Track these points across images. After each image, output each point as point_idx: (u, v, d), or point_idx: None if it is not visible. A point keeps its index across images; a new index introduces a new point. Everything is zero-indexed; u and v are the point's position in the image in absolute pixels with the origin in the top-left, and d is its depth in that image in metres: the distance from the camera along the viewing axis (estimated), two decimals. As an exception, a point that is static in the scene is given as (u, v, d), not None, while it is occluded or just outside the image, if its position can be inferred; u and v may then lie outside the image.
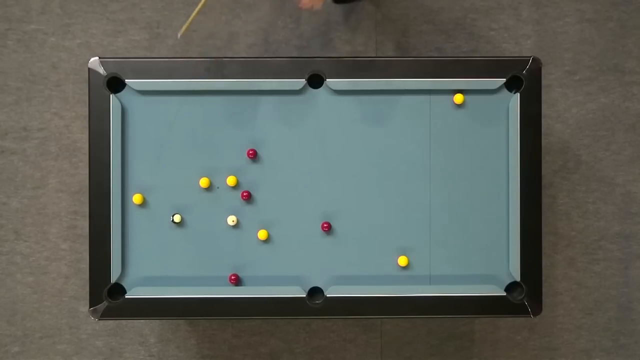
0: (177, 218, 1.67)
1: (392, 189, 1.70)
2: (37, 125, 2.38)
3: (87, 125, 1.72)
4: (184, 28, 1.73)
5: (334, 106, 1.69)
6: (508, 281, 1.69)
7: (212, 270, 1.69)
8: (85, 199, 2.33)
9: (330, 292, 1.67)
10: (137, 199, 1.66)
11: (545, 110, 2.32)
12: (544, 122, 2.31)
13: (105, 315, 1.66)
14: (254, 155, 1.68)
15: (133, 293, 1.66)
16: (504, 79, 1.68)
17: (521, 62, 1.68)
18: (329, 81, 1.67)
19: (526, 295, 1.67)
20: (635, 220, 2.39)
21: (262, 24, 2.41)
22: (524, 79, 1.66)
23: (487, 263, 1.70)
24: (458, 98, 1.68)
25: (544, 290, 1.78)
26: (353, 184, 1.70)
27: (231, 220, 1.66)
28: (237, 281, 1.68)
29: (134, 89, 1.67)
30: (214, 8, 2.41)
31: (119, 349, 2.37)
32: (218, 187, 1.69)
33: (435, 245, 1.70)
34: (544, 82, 1.77)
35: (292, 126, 1.69)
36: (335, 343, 2.38)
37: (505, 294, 1.68)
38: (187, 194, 1.69)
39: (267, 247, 1.70)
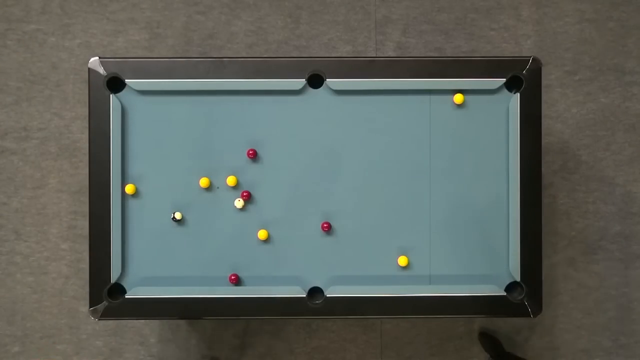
0: (178, 215, 1.67)
1: (392, 189, 1.70)
2: (37, 125, 2.38)
3: (87, 125, 1.72)
4: None
5: (334, 106, 1.69)
6: (508, 281, 1.69)
7: (212, 270, 1.69)
8: (85, 199, 2.33)
9: (330, 292, 1.67)
10: (129, 189, 1.65)
11: (545, 110, 2.32)
12: (544, 122, 2.31)
13: (105, 315, 1.66)
14: (254, 155, 1.68)
15: (133, 293, 1.66)
16: (504, 79, 1.67)
17: (521, 62, 1.68)
18: (329, 81, 1.67)
19: (526, 295, 1.67)
20: (635, 220, 2.39)
21: (262, 24, 2.41)
22: (524, 79, 1.66)
23: (487, 263, 1.70)
24: (458, 98, 1.68)
25: (544, 290, 1.78)
26: (353, 184, 1.70)
27: (239, 203, 1.66)
28: (237, 281, 1.68)
29: (134, 89, 1.67)
30: (214, 8, 2.41)
31: (119, 349, 2.37)
32: (218, 187, 1.69)
33: (435, 245, 1.70)
34: (544, 82, 1.78)
35: (292, 126, 1.69)
36: (335, 343, 2.37)
37: (505, 294, 1.68)
38: (187, 194, 1.69)
39: (267, 247, 1.70)
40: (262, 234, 1.68)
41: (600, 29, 2.41)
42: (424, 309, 1.68)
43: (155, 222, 1.69)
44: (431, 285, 1.69)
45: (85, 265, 2.33)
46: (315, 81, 1.69)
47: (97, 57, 1.68)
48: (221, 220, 1.69)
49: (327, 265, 1.70)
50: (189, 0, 2.40)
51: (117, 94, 1.67)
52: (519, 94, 1.67)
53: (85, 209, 2.32)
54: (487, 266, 1.70)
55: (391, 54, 2.41)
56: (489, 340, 2.30)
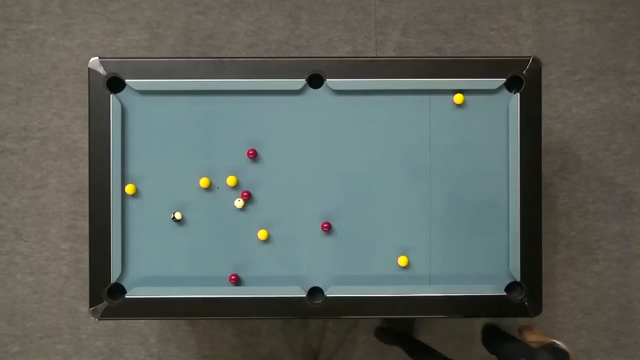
0: (178, 215, 1.67)
1: (392, 189, 1.70)
2: (37, 125, 2.38)
3: (87, 125, 1.72)
4: None
5: (334, 106, 1.69)
6: (508, 281, 1.69)
7: (212, 270, 1.69)
8: (85, 199, 2.33)
9: (330, 292, 1.67)
10: (129, 189, 1.66)
11: (545, 110, 2.32)
12: (544, 122, 2.31)
13: (105, 315, 1.66)
14: (254, 155, 1.68)
15: (133, 293, 1.66)
16: (504, 79, 1.67)
17: (521, 62, 1.68)
18: (329, 81, 1.67)
19: (526, 295, 1.67)
20: (635, 220, 2.39)
21: (262, 24, 2.41)
22: (524, 79, 1.66)
23: (487, 263, 1.70)
24: (458, 98, 1.68)
25: (544, 290, 1.78)
26: (353, 184, 1.70)
27: (239, 203, 1.66)
28: (237, 281, 1.68)
29: (134, 89, 1.67)
30: (214, 8, 2.41)
31: (119, 349, 2.37)
32: (218, 187, 1.69)
33: (435, 245, 1.70)
34: (544, 82, 1.78)
35: (292, 126, 1.69)
36: (335, 343, 2.37)
37: (505, 294, 1.68)
38: (187, 194, 1.69)
39: (267, 247, 1.70)
40: (262, 234, 1.68)
41: (600, 29, 2.41)
42: (424, 309, 1.68)
43: (155, 222, 1.69)
44: (431, 285, 1.69)
45: (85, 265, 2.33)
46: (315, 81, 1.69)
47: (97, 57, 1.68)
48: (221, 220, 1.69)
49: (327, 265, 1.70)
50: (189, 0, 2.40)
51: (117, 94, 1.67)
52: (519, 94, 1.67)
53: (85, 209, 2.32)
54: (487, 266, 1.70)
55: (391, 54, 2.41)
56: (495, 338, 2.25)
